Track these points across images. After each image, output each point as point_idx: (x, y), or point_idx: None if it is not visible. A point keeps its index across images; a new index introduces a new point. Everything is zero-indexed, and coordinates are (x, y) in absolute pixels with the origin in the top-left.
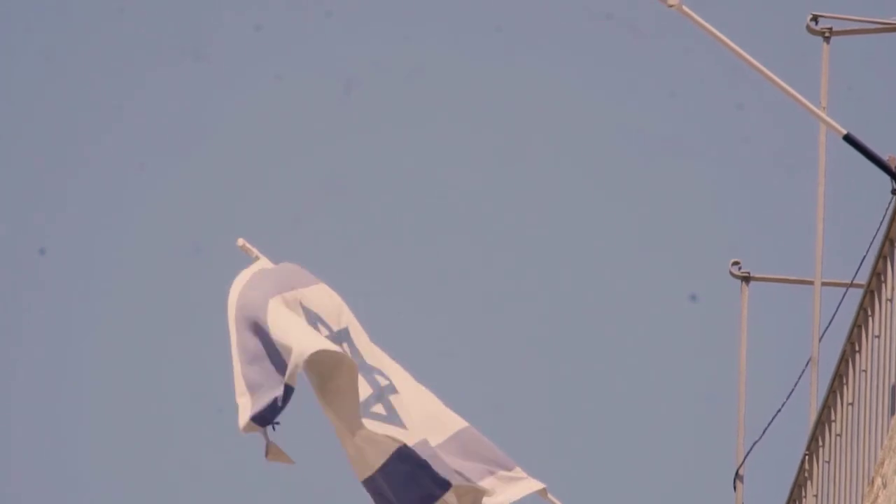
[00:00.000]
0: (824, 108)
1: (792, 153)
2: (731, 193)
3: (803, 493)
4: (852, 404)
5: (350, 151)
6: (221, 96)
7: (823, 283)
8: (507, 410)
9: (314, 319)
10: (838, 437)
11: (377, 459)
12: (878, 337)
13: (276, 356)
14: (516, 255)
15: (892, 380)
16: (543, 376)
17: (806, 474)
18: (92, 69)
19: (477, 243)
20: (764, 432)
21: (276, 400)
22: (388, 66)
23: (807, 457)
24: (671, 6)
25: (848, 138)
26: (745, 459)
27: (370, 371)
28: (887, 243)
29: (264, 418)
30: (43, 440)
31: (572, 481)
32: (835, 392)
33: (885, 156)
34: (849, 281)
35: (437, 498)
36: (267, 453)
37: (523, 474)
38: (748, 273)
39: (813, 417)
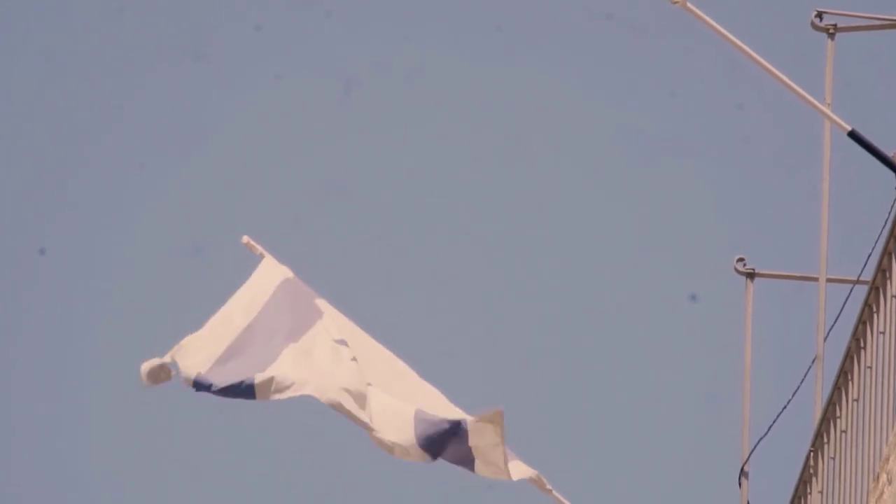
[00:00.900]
0: (829, 104)
1: (793, 152)
2: (733, 192)
3: (808, 490)
4: (857, 401)
5: (350, 151)
6: (221, 96)
7: (828, 280)
8: (509, 409)
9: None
10: (843, 434)
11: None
12: (884, 333)
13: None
14: (516, 256)
15: None
16: (546, 374)
17: (811, 471)
18: (92, 69)
19: (477, 243)
20: (769, 429)
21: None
22: (388, 66)
23: (812, 453)
24: (675, 3)
25: (853, 135)
26: (750, 456)
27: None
28: (892, 240)
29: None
30: (43, 440)
31: (578, 478)
32: (840, 388)
33: (889, 152)
34: (854, 278)
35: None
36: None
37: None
38: (753, 269)
39: (818, 414)
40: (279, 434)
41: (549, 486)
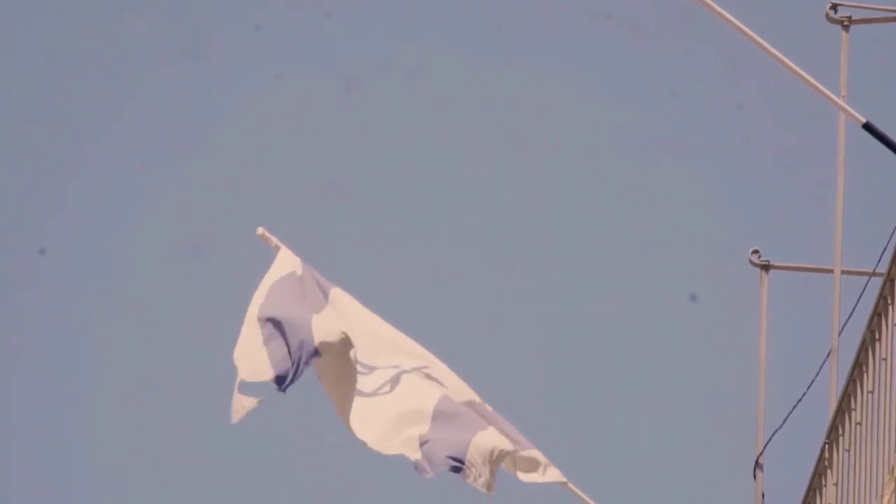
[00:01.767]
0: (844, 96)
1: (806, 146)
2: (741, 188)
3: (823, 482)
4: (872, 392)
5: (350, 151)
6: (221, 96)
7: (843, 272)
8: (513, 407)
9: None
10: (858, 426)
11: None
12: None
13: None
14: (516, 255)
15: None
16: (551, 371)
17: (826, 463)
18: (92, 69)
19: (477, 243)
20: (784, 421)
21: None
22: (388, 66)
23: (827, 445)
24: None
25: (867, 127)
26: (765, 448)
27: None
28: None
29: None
30: (43, 440)
31: (592, 470)
32: (855, 381)
33: None
34: (869, 270)
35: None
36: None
37: (545, 460)
38: (768, 262)
39: (833, 406)
40: (279, 434)
41: (563, 479)
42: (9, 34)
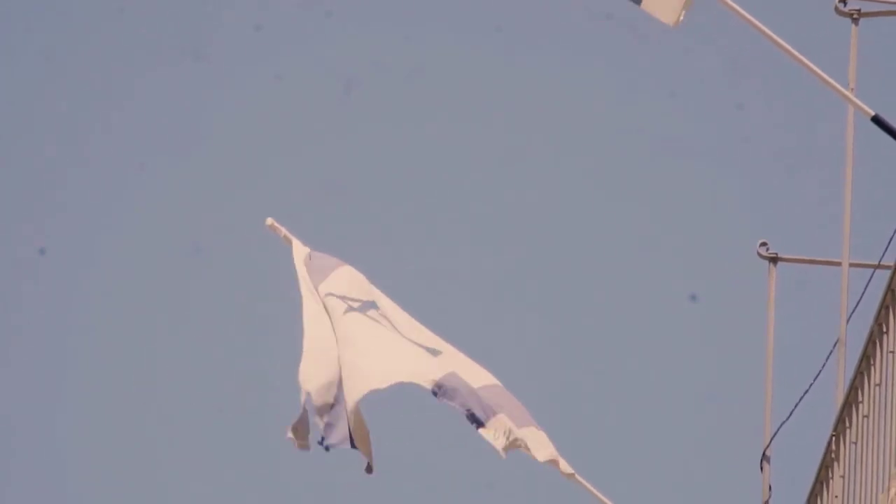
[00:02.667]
0: (852, 89)
1: (798, 149)
2: (746, 184)
3: (830, 474)
4: (879, 385)
5: (350, 151)
6: (221, 96)
7: (851, 265)
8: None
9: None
10: (865, 419)
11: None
12: None
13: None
14: (516, 255)
15: None
16: (560, 362)
17: (833, 455)
18: (92, 69)
19: (477, 243)
20: (791, 413)
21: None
22: (388, 66)
23: (834, 438)
24: None
25: (876, 119)
26: (772, 440)
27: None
28: None
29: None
30: (43, 440)
31: (599, 461)
32: (862, 373)
33: None
34: (876, 262)
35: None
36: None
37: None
38: (776, 254)
39: (840, 398)
40: (279, 434)
41: (570, 470)
42: (9, 34)
